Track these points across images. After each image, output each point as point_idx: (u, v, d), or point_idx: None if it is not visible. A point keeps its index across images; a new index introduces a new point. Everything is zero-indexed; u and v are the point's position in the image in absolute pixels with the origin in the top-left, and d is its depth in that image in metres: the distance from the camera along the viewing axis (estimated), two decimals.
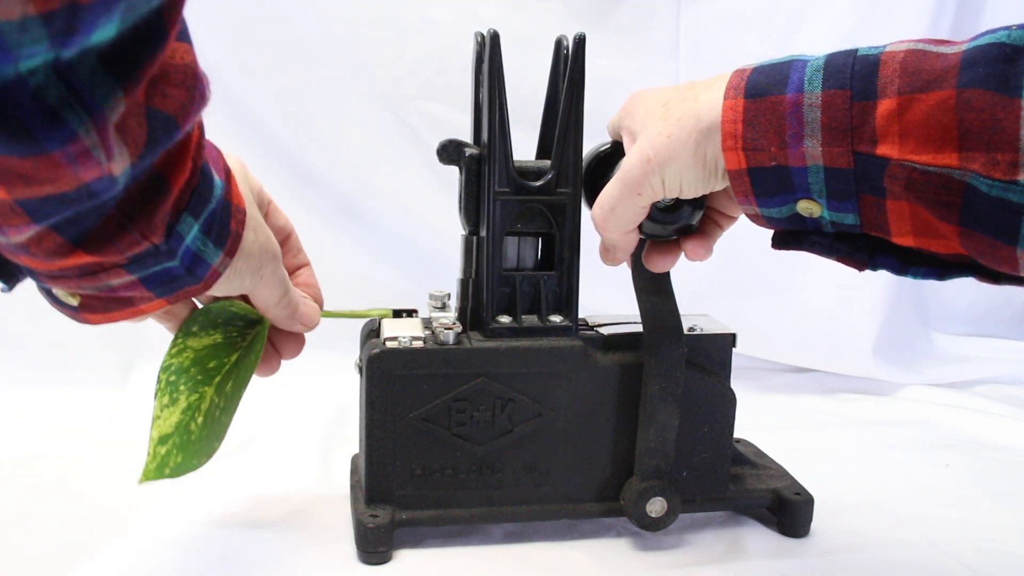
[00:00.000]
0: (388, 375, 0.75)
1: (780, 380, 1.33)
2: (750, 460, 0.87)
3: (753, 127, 0.59)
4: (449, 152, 0.77)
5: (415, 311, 0.82)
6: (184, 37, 0.49)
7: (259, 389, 1.14)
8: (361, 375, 0.76)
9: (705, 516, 0.85)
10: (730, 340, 0.82)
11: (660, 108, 0.64)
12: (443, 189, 1.19)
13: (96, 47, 0.38)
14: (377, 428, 0.76)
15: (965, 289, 1.47)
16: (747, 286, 1.38)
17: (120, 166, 0.45)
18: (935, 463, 1.03)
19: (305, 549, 0.78)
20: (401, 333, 0.76)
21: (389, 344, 0.75)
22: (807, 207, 0.59)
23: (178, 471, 0.68)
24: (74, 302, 0.56)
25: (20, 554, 0.76)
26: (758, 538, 0.83)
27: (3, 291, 0.55)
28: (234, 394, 0.72)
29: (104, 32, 0.37)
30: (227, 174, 0.59)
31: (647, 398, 0.78)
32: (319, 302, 0.76)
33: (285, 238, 0.74)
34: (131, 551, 0.76)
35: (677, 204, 0.69)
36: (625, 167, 0.66)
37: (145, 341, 1.16)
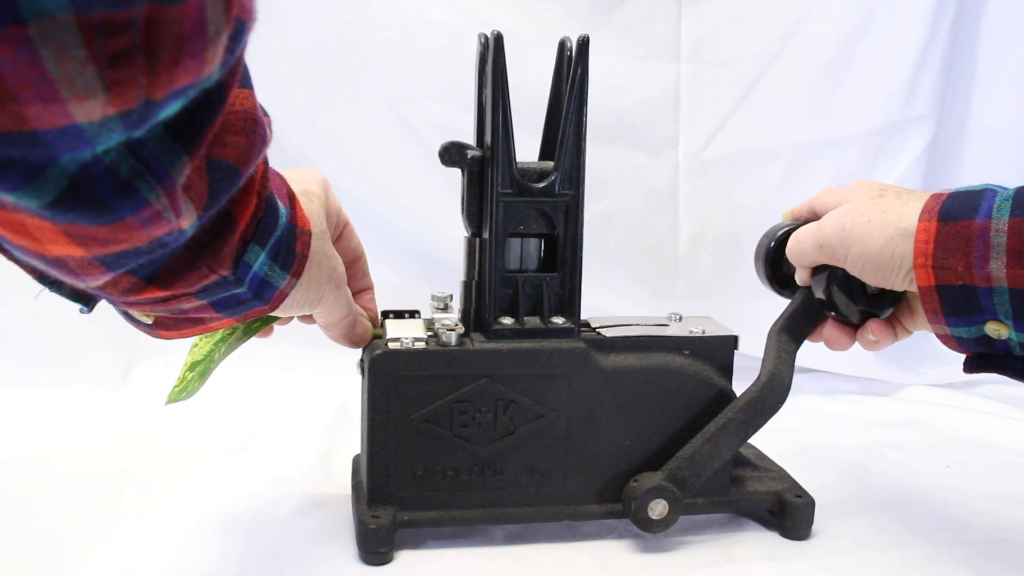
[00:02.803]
0: (390, 376, 0.75)
1: None
2: (751, 462, 0.87)
3: (943, 248, 0.65)
4: (451, 154, 0.77)
5: (417, 312, 0.82)
6: (245, 83, 0.51)
7: (260, 389, 1.15)
8: (363, 376, 0.76)
9: (706, 518, 0.85)
10: (732, 342, 0.82)
11: (876, 191, 0.73)
12: (444, 189, 1.18)
13: (163, 121, 0.40)
14: (379, 429, 0.76)
15: None
16: (748, 286, 1.38)
17: (188, 221, 0.47)
18: (935, 463, 1.03)
19: (305, 549, 0.78)
20: (404, 334, 0.76)
21: (391, 345, 0.75)
22: (995, 329, 0.64)
23: (190, 394, 0.75)
24: (149, 321, 0.60)
25: (20, 554, 0.76)
26: (759, 540, 0.83)
27: (83, 312, 0.57)
28: (254, 331, 0.77)
29: (169, 111, 0.39)
30: (291, 199, 0.61)
31: (725, 419, 0.79)
32: (374, 323, 0.80)
33: (355, 260, 0.77)
34: (131, 551, 0.76)
35: (882, 294, 0.77)
36: (824, 222, 0.74)
37: (145, 341, 1.16)
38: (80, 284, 0.50)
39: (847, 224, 0.72)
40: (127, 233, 0.43)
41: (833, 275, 0.77)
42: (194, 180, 0.47)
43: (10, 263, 0.50)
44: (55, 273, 0.48)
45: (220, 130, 0.48)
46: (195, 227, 0.49)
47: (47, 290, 0.53)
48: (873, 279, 0.72)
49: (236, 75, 0.44)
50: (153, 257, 0.48)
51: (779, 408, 0.80)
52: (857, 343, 0.81)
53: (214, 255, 0.53)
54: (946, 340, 0.70)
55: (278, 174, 0.62)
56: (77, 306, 0.55)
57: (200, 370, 0.74)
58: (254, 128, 0.51)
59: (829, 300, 0.78)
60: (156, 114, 0.38)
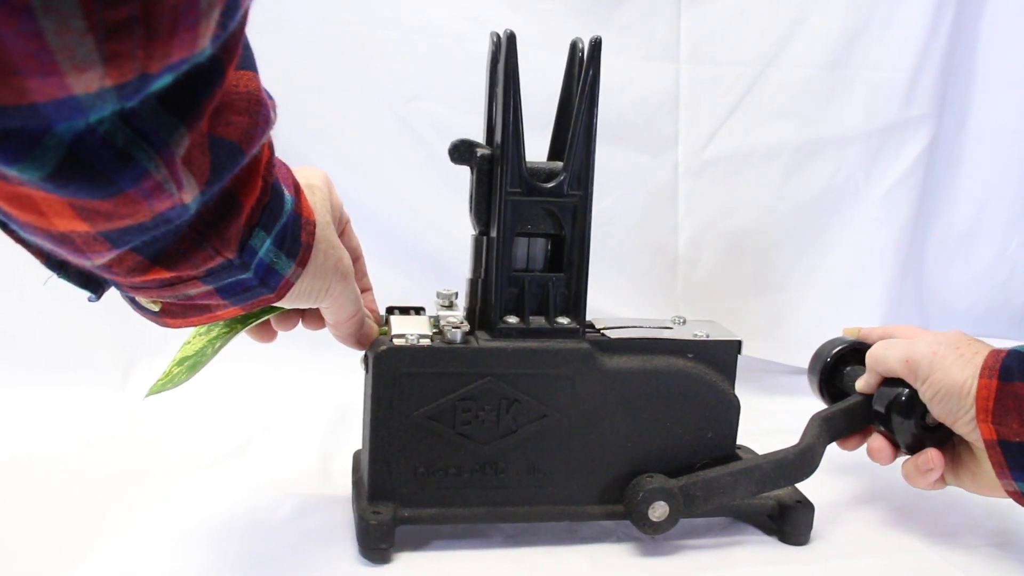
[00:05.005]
0: (395, 372, 0.75)
1: (781, 381, 1.32)
2: None
3: (1001, 405, 0.71)
4: (461, 152, 0.77)
5: (423, 308, 0.82)
6: (248, 65, 0.52)
7: (260, 388, 1.15)
8: (367, 371, 0.76)
9: (705, 523, 0.85)
10: (735, 347, 0.82)
11: (965, 337, 0.79)
12: (445, 189, 1.18)
13: (155, 93, 0.40)
14: (382, 425, 0.76)
15: (965, 290, 1.47)
16: (748, 287, 1.38)
17: (190, 195, 0.47)
18: None
19: (305, 549, 0.78)
20: (409, 331, 0.76)
21: (396, 341, 0.75)
22: None
23: (176, 385, 0.74)
24: (155, 308, 0.60)
25: (20, 554, 0.75)
26: (758, 545, 0.83)
27: (91, 300, 0.57)
28: (247, 325, 0.76)
29: (162, 83, 0.39)
30: (296, 189, 0.62)
31: (755, 464, 0.80)
32: (377, 324, 0.79)
33: (355, 259, 0.77)
34: (131, 551, 0.76)
35: (939, 428, 0.80)
36: (918, 341, 0.80)
37: (145, 341, 1.16)
38: (86, 263, 0.50)
39: (940, 350, 0.77)
40: (130, 207, 0.43)
41: (900, 394, 0.81)
42: (195, 155, 0.47)
43: (17, 246, 0.50)
44: (61, 252, 0.48)
45: (222, 109, 0.49)
46: (198, 203, 0.49)
47: (55, 276, 0.53)
48: (940, 410, 0.76)
49: (233, 52, 0.44)
50: (157, 234, 0.48)
51: (801, 481, 0.82)
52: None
53: (219, 237, 0.53)
54: (1017, 497, 0.74)
55: (284, 164, 0.62)
56: (86, 293, 0.56)
57: (189, 364, 0.74)
58: (257, 109, 0.52)
59: (886, 415, 0.82)
60: (149, 87, 0.38)
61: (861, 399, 0.86)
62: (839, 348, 0.92)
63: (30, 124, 0.36)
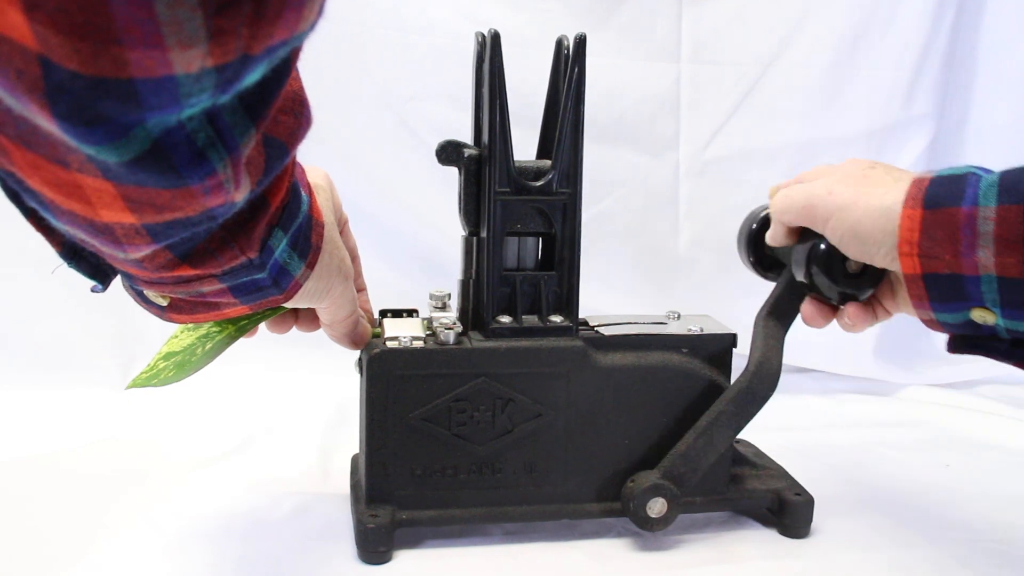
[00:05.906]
0: (389, 375, 0.75)
1: (783, 380, 1.32)
2: (750, 461, 0.87)
3: (929, 236, 0.64)
4: (448, 153, 0.77)
5: (415, 311, 0.82)
6: None
7: (258, 390, 1.15)
8: (361, 375, 0.76)
9: (705, 517, 0.85)
10: (730, 340, 0.82)
11: (867, 165, 0.71)
12: (443, 188, 1.18)
13: (240, 92, 0.40)
14: (377, 428, 0.76)
15: None
16: (747, 286, 1.38)
17: (242, 193, 0.47)
18: (935, 463, 1.03)
19: (305, 549, 0.78)
20: (402, 333, 0.76)
21: (390, 344, 0.75)
22: (981, 315, 0.64)
23: (163, 383, 0.72)
24: (163, 303, 0.59)
25: (19, 553, 0.76)
26: (758, 539, 0.83)
27: (96, 291, 0.57)
28: (244, 331, 0.75)
29: (254, 77, 0.39)
30: (309, 190, 0.62)
31: (717, 412, 0.78)
32: (371, 324, 0.79)
33: (352, 259, 0.76)
34: (130, 551, 0.76)
35: (863, 273, 0.73)
36: (815, 185, 0.72)
37: (145, 341, 1.16)
38: (119, 255, 0.49)
39: (835, 190, 0.70)
40: (186, 200, 0.43)
41: (814, 252, 0.74)
42: (253, 155, 0.47)
43: (38, 234, 0.50)
44: (96, 243, 0.47)
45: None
46: (244, 201, 0.49)
47: (65, 265, 0.53)
48: (853, 251, 0.70)
49: (301, 47, 0.44)
50: (198, 231, 0.48)
51: (770, 396, 0.79)
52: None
53: (247, 236, 0.53)
54: (930, 324, 0.68)
55: (299, 164, 0.62)
56: (87, 292, 0.56)
57: (177, 361, 0.73)
58: (301, 109, 0.52)
59: (810, 281, 0.75)
60: (247, 74, 0.38)
61: (790, 275, 0.79)
62: (764, 214, 0.84)
63: (124, 112, 0.35)
